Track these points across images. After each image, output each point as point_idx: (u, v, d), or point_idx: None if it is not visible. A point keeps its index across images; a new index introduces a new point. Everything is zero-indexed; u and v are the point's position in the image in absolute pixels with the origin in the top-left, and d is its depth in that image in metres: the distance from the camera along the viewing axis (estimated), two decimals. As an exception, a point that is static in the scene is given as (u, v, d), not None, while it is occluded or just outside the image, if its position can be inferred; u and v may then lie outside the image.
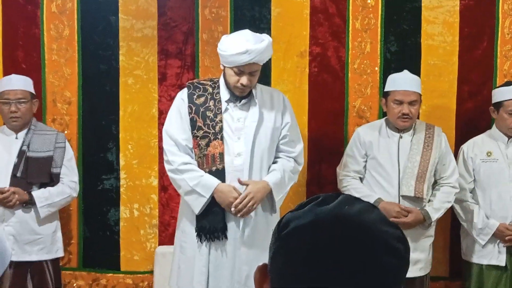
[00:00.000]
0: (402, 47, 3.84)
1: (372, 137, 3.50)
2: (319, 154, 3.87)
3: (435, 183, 3.50)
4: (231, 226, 3.04)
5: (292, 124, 3.19)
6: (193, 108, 3.08)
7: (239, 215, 3.00)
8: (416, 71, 3.72)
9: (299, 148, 3.20)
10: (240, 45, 2.91)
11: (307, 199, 1.10)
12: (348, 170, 3.53)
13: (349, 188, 3.48)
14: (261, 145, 3.08)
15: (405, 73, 3.50)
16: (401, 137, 3.48)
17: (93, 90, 3.85)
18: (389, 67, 3.80)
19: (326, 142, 3.85)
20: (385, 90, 3.52)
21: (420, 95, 3.47)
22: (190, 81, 3.21)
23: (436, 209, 3.42)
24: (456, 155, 3.61)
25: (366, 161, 3.52)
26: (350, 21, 3.83)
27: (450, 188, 3.47)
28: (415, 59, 3.83)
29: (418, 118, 3.58)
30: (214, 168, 3.03)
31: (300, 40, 3.84)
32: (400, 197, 3.39)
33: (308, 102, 3.86)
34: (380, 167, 3.45)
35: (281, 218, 1.09)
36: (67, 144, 3.56)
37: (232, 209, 2.99)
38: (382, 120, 3.59)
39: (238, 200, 2.98)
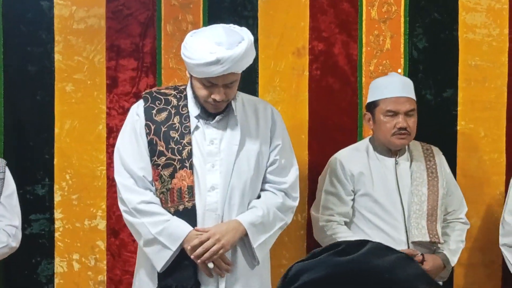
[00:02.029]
0: (433, 42, 3.87)
1: (361, 165, 3.53)
2: None
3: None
4: (205, 283, 3.07)
5: (284, 146, 3.21)
6: (152, 127, 3.10)
7: (198, 261, 3.01)
8: (451, 74, 3.80)
9: (293, 177, 3.22)
10: (208, 52, 2.92)
11: (324, 247, 1.11)
12: (330, 213, 3.54)
13: (335, 238, 3.47)
14: (242, 176, 3.10)
15: (394, 75, 3.59)
16: (397, 162, 3.53)
17: (18, 100, 3.85)
18: (416, 69, 3.83)
19: None
20: (369, 100, 3.56)
21: (416, 102, 3.51)
22: (147, 91, 3.24)
23: (453, 251, 3.50)
24: (506, 186, 3.69)
25: (353, 199, 3.55)
26: (364, 8, 3.88)
27: (461, 225, 3.59)
28: (451, 59, 3.87)
29: (452, 137, 3.74)
30: (181, 207, 3.05)
31: (297, 33, 3.86)
32: (410, 244, 3.45)
33: (308, 116, 3.88)
34: (377, 205, 3.49)
35: (288, 269, 1.12)
36: (8, 173, 3.43)
37: (191, 253, 3.01)
38: (366, 141, 3.63)
39: (196, 241, 3.00)
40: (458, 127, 3.88)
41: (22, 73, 3.83)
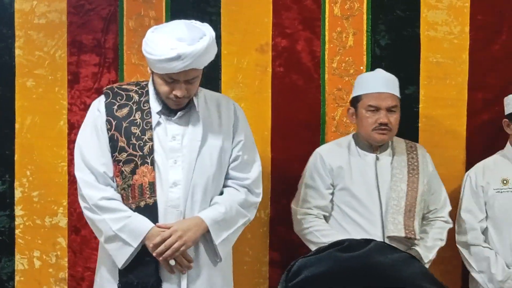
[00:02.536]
0: (395, 39, 3.92)
1: (341, 160, 3.57)
2: (287, 183, 3.88)
3: (422, 218, 3.61)
4: (167, 280, 3.08)
5: (246, 142, 3.23)
6: (113, 123, 3.10)
7: (160, 259, 3.02)
8: (413, 71, 3.83)
9: (255, 172, 3.24)
10: (169, 48, 2.92)
11: (328, 244, 1.12)
12: (308, 206, 3.58)
13: (312, 230, 3.53)
14: (205, 172, 3.12)
15: (379, 71, 3.61)
16: (377, 158, 3.57)
17: (-23, 95, 3.86)
18: (378, 66, 3.82)
19: (296, 167, 3.85)
20: (353, 95, 3.61)
21: (400, 100, 3.55)
22: (108, 87, 3.25)
23: (428, 248, 3.52)
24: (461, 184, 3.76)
25: (332, 193, 3.59)
26: (327, 5, 3.90)
27: (442, 223, 3.61)
28: (413, 56, 3.92)
29: (414, 134, 3.74)
30: (142, 203, 3.06)
31: (261, 29, 3.89)
32: (386, 239, 3.46)
33: (271, 112, 3.91)
34: (354, 200, 3.53)
35: (291, 264, 1.13)
36: None
37: (152, 251, 3.02)
38: (349, 137, 3.67)
39: (158, 239, 3.00)
40: (420, 124, 3.92)
41: (-20, 69, 3.86)
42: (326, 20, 3.91)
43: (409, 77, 3.91)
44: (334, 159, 3.58)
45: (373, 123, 3.49)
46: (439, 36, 3.93)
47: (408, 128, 3.85)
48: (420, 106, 3.93)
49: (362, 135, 3.57)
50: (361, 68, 3.92)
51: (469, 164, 3.87)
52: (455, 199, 3.80)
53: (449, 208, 3.65)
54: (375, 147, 3.58)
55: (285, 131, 3.93)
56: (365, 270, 1.06)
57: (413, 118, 3.94)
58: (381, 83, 3.52)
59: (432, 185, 3.63)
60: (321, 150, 3.65)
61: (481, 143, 3.95)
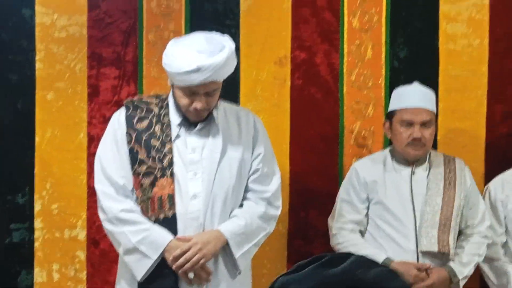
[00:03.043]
0: (414, 52, 3.94)
1: (376, 174, 3.57)
2: (305, 196, 3.91)
3: (460, 233, 3.59)
4: (186, 293, 3.10)
5: (266, 154, 3.24)
6: (133, 135, 3.12)
7: (180, 272, 3.03)
8: (432, 84, 3.79)
9: (275, 185, 3.25)
10: (189, 60, 2.94)
11: (303, 260, 1.13)
12: (343, 221, 3.58)
13: (346, 245, 3.53)
14: (224, 184, 3.13)
15: (415, 85, 3.59)
16: (413, 172, 3.57)
17: (-1, 108, 3.89)
18: (397, 79, 3.87)
19: (314, 180, 3.91)
20: (390, 109, 3.61)
21: (435, 114, 3.55)
22: (129, 99, 3.26)
23: (464, 263, 3.50)
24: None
25: (368, 208, 3.60)
26: (346, 18, 3.93)
27: (480, 238, 3.58)
28: (432, 69, 3.94)
29: (433, 147, 3.66)
30: (161, 216, 3.08)
31: (279, 42, 3.91)
32: (419, 254, 3.47)
33: (289, 125, 3.93)
34: (389, 214, 3.53)
35: (273, 282, 1.15)
36: None
37: (172, 264, 3.03)
38: (386, 152, 3.67)
39: (177, 251, 3.01)
40: (438, 137, 3.89)
41: (3, 82, 3.86)
42: (345, 32, 3.93)
43: None
44: (369, 173, 3.58)
45: (407, 138, 3.50)
46: (458, 49, 3.94)
47: None
48: (439, 119, 3.88)
49: (397, 149, 3.58)
50: (379, 81, 3.93)
51: (488, 177, 3.86)
52: None
53: (487, 223, 3.62)
54: (411, 161, 3.58)
55: (304, 144, 3.94)
56: (349, 286, 1.07)
57: (433, 130, 3.84)
58: (416, 97, 3.52)
59: (470, 200, 3.60)
60: (357, 165, 3.66)
61: (500, 156, 3.94)
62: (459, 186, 3.56)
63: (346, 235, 3.56)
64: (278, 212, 3.28)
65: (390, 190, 3.55)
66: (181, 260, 3.03)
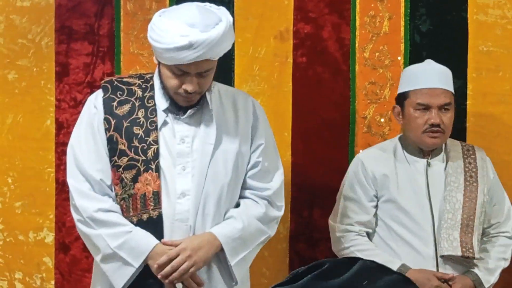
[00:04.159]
0: (438, 25, 3.90)
1: (386, 167, 3.54)
2: (310, 193, 3.89)
3: (482, 233, 3.57)
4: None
5: (267, 146, 3.19)
6: (112, 122, 3.07)
7: (166, 281, 2.98)
8: (460, 62, 3.79)
9: (277, 182, 3.21)
10: (179, 35, 2.89)
11: (304, 266, 1.08)
12: (349, 222, 3.55)
13: (353, 250, 3.50)
14: (218, 180, 3.08)
15: (429, 63, 3.55)
16: (429, 164, 3.53)
17: (-49, 90, 3.80)
18: (418, 55, 3.83)
19: (320, 174, 3.88)
20: (400, 91, 3.56)
21: (454, 96, 3.51)
22: (107, 79, 3.20)
23: (490, 270, 3.49)
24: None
25: (376, 206, 3.56)
26: None
27: (506, 240, 3.57)
28: (459, 44, 3.89)
29: (461, 136, 3.72)
30: (145, 216, 3.02)
31: (280, 13, 3.86)
32: (439, 259, 3.43)
33: (292, 111, 3.89)
34: (402, 213, 3.48)
35: None
36: None
37: (157, 272, 2.98)
38: (395, 140, 3.63)
39: (163, 258, 2.96)
40: (468, 124, 3.90)
41: (-45, 60, 3.84)
42: (357, 2, 3.89)
43: (455, 70, 3.74)
44: (378, 166, 3.54)
45: (423, 124, 3.44)
46: (490, 21, 3.91)
47: (454, 129, 3.75)
48: (468, 103, 3.90)
49: (411, 138, 3.53)
50: (398, 58, 3.90)
51: (526, 171, 3.81)
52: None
53: None
54: (426, 152, 3.54)
55: (308, 132, 3.91)
56: None
57: (460, 117, 3.86)
58: (432, 76, 3.47)
59: (494, 195, 3.57)
60: (362, 156, 3.62)
61: (540, 146, 3.93)
62: (481, 180, 3.52)
63: (352, 238, 3.53)
64: (280, 213, 3.23)
65: (403, 186, 3.50)
66: (168, 268, 2.98)
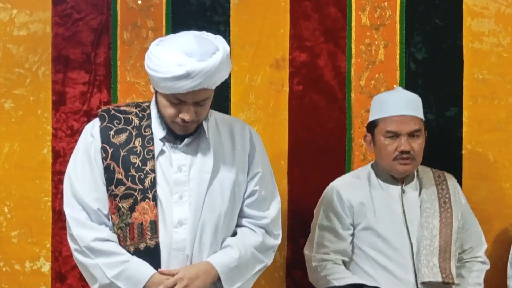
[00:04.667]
0: (433, 53, 3.90)
1: (362, 195, 3.54)
2: (306, 220, 3.81)
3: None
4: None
5: (264, 174, 3.18)
6: (109, 151, 3.06)
7: None
8: (455, 89, 3.80)
9: (274, 211, 3.19)
10: (176, 64, 2.89)
11: None
12: (325, 251, 3.54)
13: (330, 279, 3.49)
14: (215, 209, 3.06)
15: (398, 90, 3.59)
16: (403, 191, 3.55)
17: None
18: (414, 84, 3.83)
19: (316, 202, 3.79)
20: (370, 119, 3.57)
21: (424, 122, 3.51)
22: (104, 108, 3.19)
23: None
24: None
25: (353, 234, 3.55)
26: (353, 13, 3.90)
27: (480, 265, 3.62)
28: (454, 72, 3.88)
29: (457, 162, 3.76)
30: (142, 246, 3.02)
31: (276, 42, 3.87)
32: (420, 285, 3.45)
33: (288, 138, 3.88)
34: (381, 241, 3.50)
35: None
36: None
37: None
38: (369, 167, 3.65)
39: None
40: (464, 151, 3.89)
41: (-48, 88, 3.82)
42: (353, 30, 3.90)
43: (450, 97, 3.88)
44: (354, 194, 3.54)
45: (393, 151, 3.46)
46: (486, 49, 3.92)
47: (450, 157, 3.86)
48: (463, 130, 3.90)
49: (383, 165, 3.54)
50: (394, 86, 3.87)
51: (525, 199, 3.82)
52: (506, 239, 3.78)
53: (485, 246, 3.64)
54: (399, 179, 3.55)
55: (304, 160, 3.90)
56: None
57: (456, 144, 3.90)
58: (401, 104, 3.49)
59: (466, 220, 3.61)
60: (337, 185, 3.60)
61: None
62: (455, 205, 3.56)
63: (329, 267, 3.52)
64: (277, 242, 3.22)
65: (380, 213, 3.52)
66: None
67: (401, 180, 3.54)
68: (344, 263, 3.54)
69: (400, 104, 3.48)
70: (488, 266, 3.62)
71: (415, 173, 3.57)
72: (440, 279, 3.40)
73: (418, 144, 3.46)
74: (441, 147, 3.83)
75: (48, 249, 3.82)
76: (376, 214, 3.50)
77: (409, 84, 3.85)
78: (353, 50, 3.88)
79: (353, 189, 3.55)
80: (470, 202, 3.74)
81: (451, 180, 3.61)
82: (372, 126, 3.52)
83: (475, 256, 3.60)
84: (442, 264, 3.42)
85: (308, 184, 3.88)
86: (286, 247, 3.84)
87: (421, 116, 3.50)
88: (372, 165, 3.63)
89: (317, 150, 3.88)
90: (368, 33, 3.89)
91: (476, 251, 3.61)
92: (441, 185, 3.57)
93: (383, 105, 3.51)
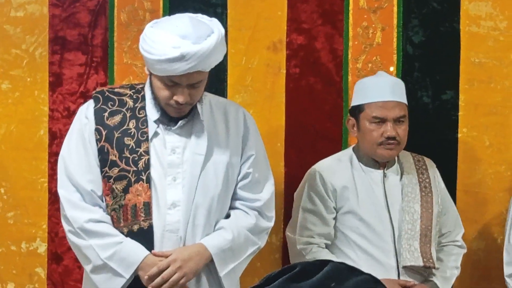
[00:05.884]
0: (430, 36, 3.90)
1: (345, 178, 3.54)
2: None
3: None
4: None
5: (258, 157, 3.20)
6: (103, 133, 3.07)
7: None
8: (452, 73, 3.81)
9: (268, 193, 3.22)
10: (171, 47, 2.89)
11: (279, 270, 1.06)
12: (310, 234, 3.54)
13: None
14: (209, 191, 3.09)
15: (382, 75, 3.60)
16: (385, 175, 3.56)
17: None
18: (411, 67, 3.85)
19: None
20: (354, 104, 3.57)
21: (407, 107, 3.52)
22: (98, 90, 3.20)
23: (447, 278, 3.57)
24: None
25: (335, 218, 3.56)
26: None
27: (457, 249, 3.65)
28: (451, 56, 3.89)
29: (453, 146, 3.77)
30: (136, 227, 3.03)
31: (273, 24, 3.88)
32: (401, 269, 3.48)
33: (285, 121, 3.89)
34: (363, 225, 3.50)
35: None
36: None
37: (147, 283, 2.99)
38: (350, 151, 3.64)
39: (154, 269, 2.98)
40: (459, 135, 3.91)
41: (-51, 69, 3.83)
42: (350, 13, 3.90)
43: (447, 80, 3.89)
44: (337, 177, 3.54)
45: (379, 136, 3.46)
46: (483, 32, 3.91)
47: (446, 140, 3.87)
48: (459, 114, 3.91)
49: (366, 150, 3.54)
50: (391, 69, 3.88)
51: (519, 184, 3.81)
52: (501, 223, 3.78)
53: (462, 230, 3.67)
54: (381, 163, 3.56)
55: (301, 143, 3.92)
56: None
57: (452, 128, 3.91)
58: (387, 89, 3.49)
59: (444, 205, 3.62)
60: (319, 168, 3.60)
61: (532, 158, 3.93)
62: (435, 190, 3.57)
63: (314, 250, 3.52)
64: (270, 224, 3.24)
65: (362, 197, 3.53)
66: (158, 279, 2.99)
67: (383, 164, 3.55)
68: (327, 246, 3.55)
69: (386, 89, 3.49)
70: (465, 250, 3.64)
71: (396, 158, 3.59)
72: (421, 264, 3.44)
73: (403, 130, 3.47)
74: (437, 130, 3.87)
75: (44, 230, 3.83)
76: (358, 198, 3.52)
77: (406, 67, 3.87)
78: (351, 33, 3.89)
79: (335, 173, 3.56)
80: (464, 185, 3.79)
81: (431, 165, 3.62)
82: (356, 111, 3.53)
83: (453, 240, 3.62)
84: (423, 248, 3.45)
85: (305, 167, 3.80)
86: (282, 230, 3.84)
87: (405, 101, 3.51)
88: (353, 148, 3.63)
89: (314, 132, 3.90)
90: (365, 16, 3.88)
91: (454, 235, 3.63)
92: (421, 170, 3.58)
93: (368, 90, 3.51)
